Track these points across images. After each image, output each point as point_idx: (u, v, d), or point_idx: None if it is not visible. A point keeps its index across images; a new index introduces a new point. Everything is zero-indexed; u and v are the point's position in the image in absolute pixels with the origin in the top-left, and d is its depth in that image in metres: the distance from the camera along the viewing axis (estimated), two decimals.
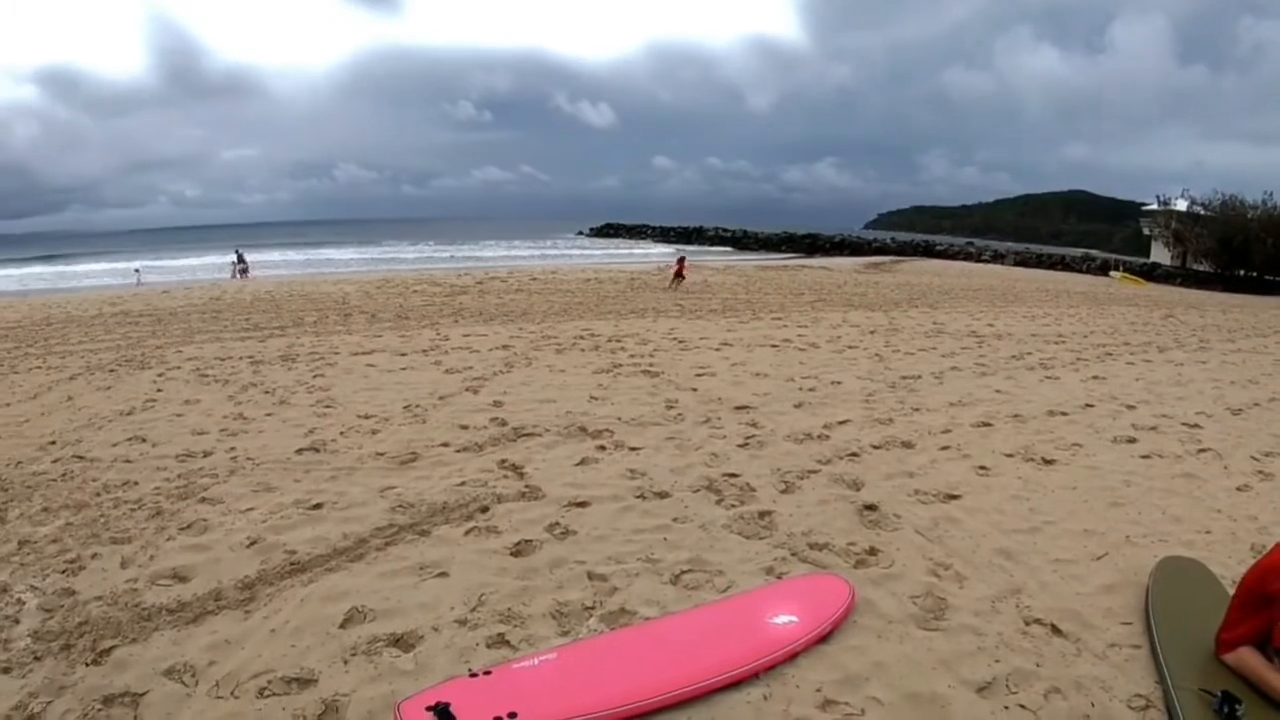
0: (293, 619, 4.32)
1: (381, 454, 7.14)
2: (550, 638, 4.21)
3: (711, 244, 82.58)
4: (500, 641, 4.16)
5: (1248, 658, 3.99)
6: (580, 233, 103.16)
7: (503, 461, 6.96)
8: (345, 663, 3.93)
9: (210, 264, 41.30)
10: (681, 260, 29.02)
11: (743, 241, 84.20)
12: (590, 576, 4.90)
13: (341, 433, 7.79)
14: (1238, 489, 7.22)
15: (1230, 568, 5.15)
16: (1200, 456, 8.21)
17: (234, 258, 36.74)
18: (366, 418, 8.33)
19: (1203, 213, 59.36)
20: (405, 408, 8.75)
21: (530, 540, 5.36)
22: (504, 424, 8.12)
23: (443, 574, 4.86)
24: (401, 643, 4.12)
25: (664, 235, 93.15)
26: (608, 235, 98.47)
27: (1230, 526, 6.26)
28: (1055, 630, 4.53)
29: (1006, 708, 3.81)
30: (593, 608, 4.55)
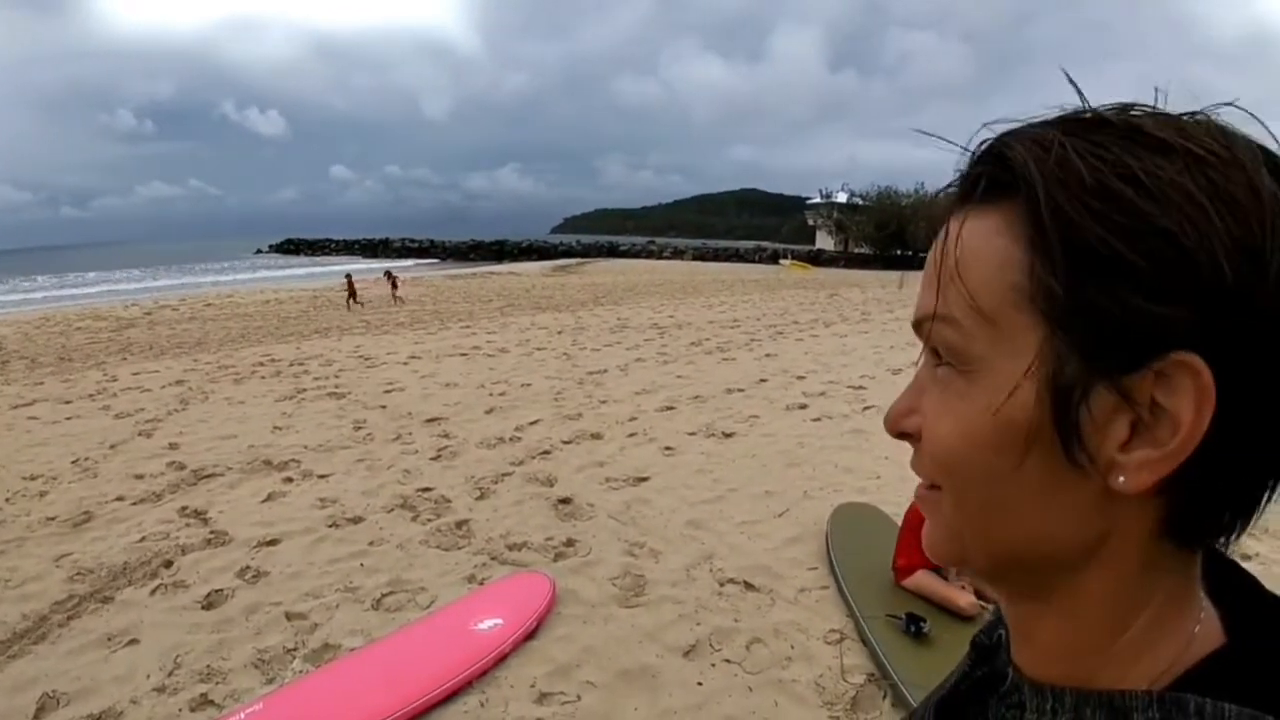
0: None
1: (52, 518, 6.44)
2: (255, 688, 3.98)
3: (399, 256, 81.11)
4: (204, 702, 3.89)
5: (924, 579, 4.49)
6: (259, 250, 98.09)
7: (184, 509, 6.49)
8: None
9: None
10: (390, 275, 27.55)
11: (431, 251, 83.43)
12: (289, 617, 4.68)
13: (7, 499, 6.96)
14: None
15: (900, 505, 5.66)
16: (866, 414, 9.00)
17: None
18: (33, 479, 7.49)
19: (861, 203, 65.71)
20: (74, 462, 7.95)
21: (221, 589, 5.03)
22: (182, 467, 7.58)
23: (133, 641, 4.47)
24: None
25: (349, 248, 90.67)
26: (289, 251, 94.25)
27: (898, 471, 6.94)
28: (748, 586, 4.85)
29: (713, 665, 4.03)
30: (295, 649, 4.35)
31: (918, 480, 0.58)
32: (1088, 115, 0.48)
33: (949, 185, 0.55)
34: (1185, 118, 0.46)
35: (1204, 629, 0.51)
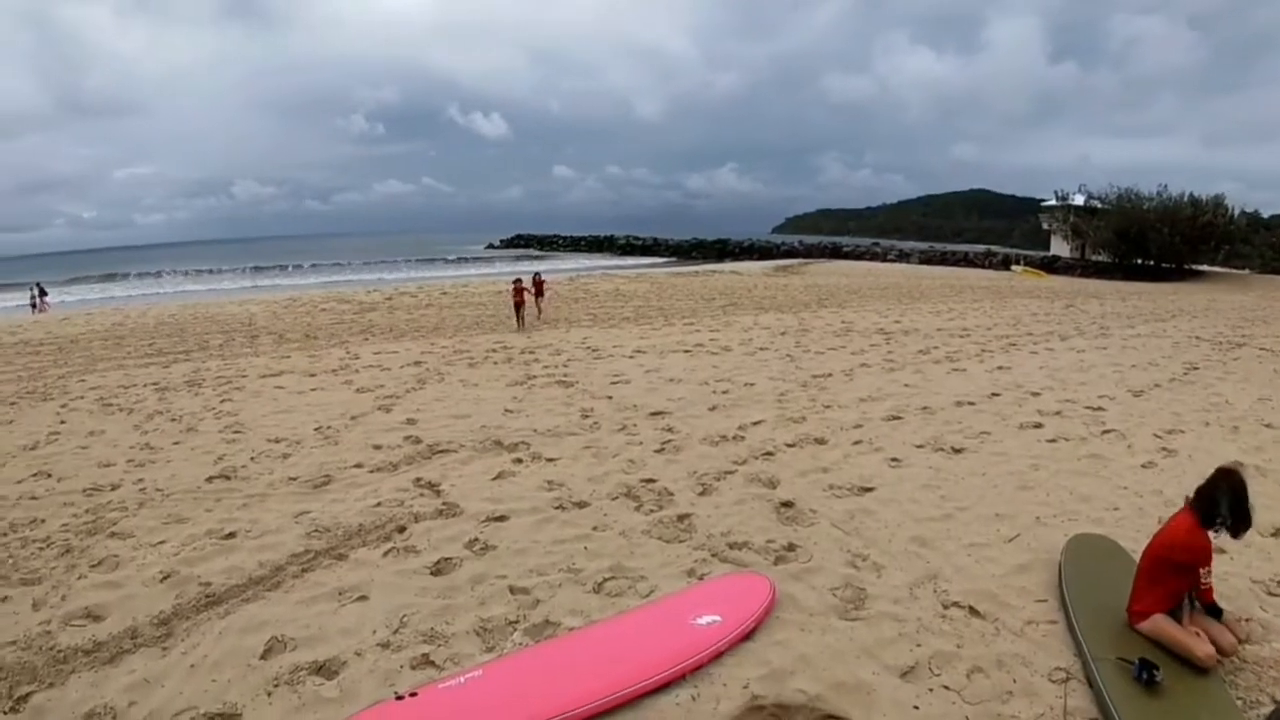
0: (211, 653, 4.19)
1: (294, 478, 6.99)
2: (475, 655, 4.16)
3: (623, 253, 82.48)
4: (425, 662, 4.10)
5: (1162, 624, 4.19)
6: (490, 245, 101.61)
7: (418, 480, 6.87)
8: (268, 694, 3.84)
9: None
10: (536, 279, 21.06)
11: (654, 249, 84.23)
12: (512, 590, 4.85)
13: (252, 458, 7.60)
14: (1142, 466, 7.47)
15: (1139, 541, 5.30)
16: (1105, 437, 8.47)
17: (34, 290, 34.77)
18: (277, 441, 8.15)
19: (1099, 206, 61.75)
20: (316, 429, 8.58)
21: (450, 558, 5.29)
22: (418, 441, 8.01)
23: (363, 597, 4.77)
24: (324, 670, 4.02)
25: (575, 245, 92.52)
26: (518, 246, 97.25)
27: (1137, 502, 6.50)
28: (973, 611, 4.65)
29: (931, 690, 3.90)
30: (516, 622, 4.51)
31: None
32: None
33: None
34: None
35: None
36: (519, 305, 18.64)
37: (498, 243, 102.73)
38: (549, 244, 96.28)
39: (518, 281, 19.37)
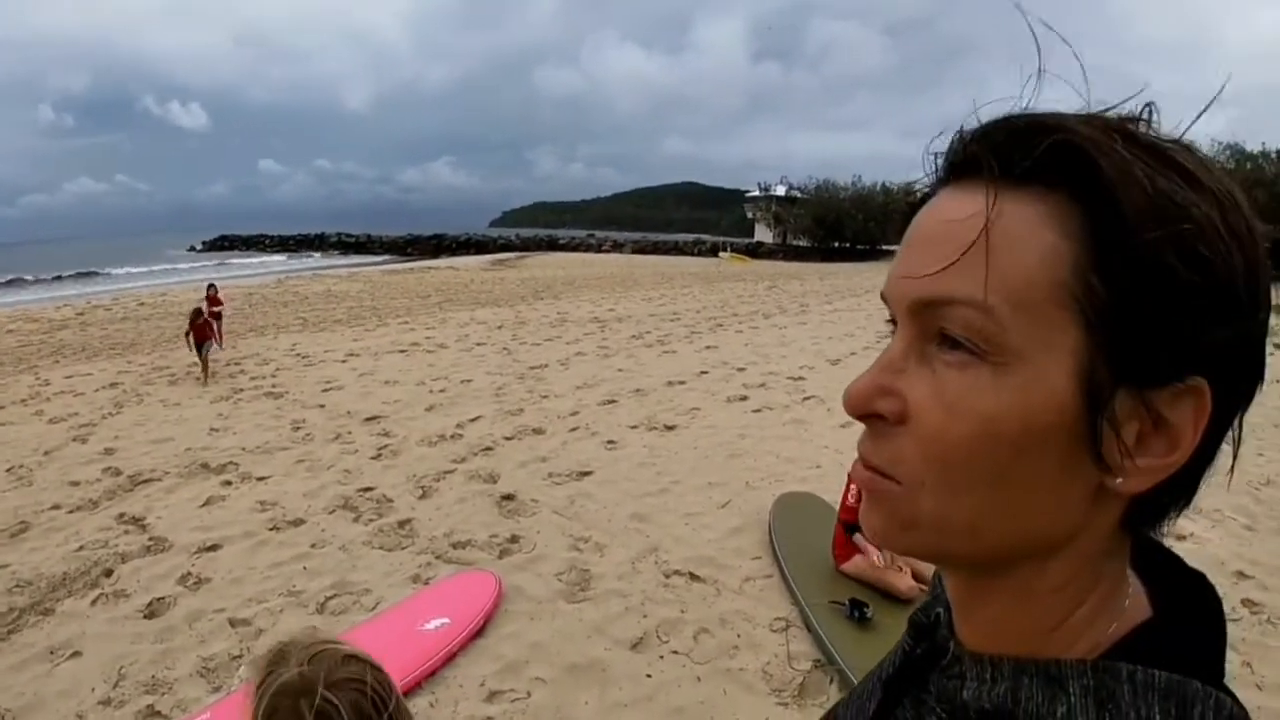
0: None
1: None
2: (201, 698, 3.93)
3: (337, 251, 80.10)
4: (151, 714, 3.82)
5: (863, 565, 4.64)
6: (192, 248, 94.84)
7: (121, 515, 6.36)
8: None
9: None
10: (211, 295, 14.92)
11: (368, 246, 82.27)
12: (233, 623, 4.62)
13: None
14: (841, 426, 8.14)
15: (840, 494, 5.78)
16: (806, 404, 9.16)
17: None
18: None
19: (799, 195, 66.57)
20: (8, 470, 7.72)
21: (163, 598, 4.95)
22: (118, 473, 7.42)
23: (76, 654, 4.37)
24: None
25: (284, 245, 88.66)
26: (223, 248, 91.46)
27: (837, 459, 7.11)
28: (694, 577, 4.93)
29: (661, 656, 4.10)
30: (240, 656, 4.29)
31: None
32: (1115, 123, 0.48)
33: (955, 152, 0.53)
34: (1170, 143, 0.48)
35: (1133, 603, 0.55)
36: (201, 344, 12.18)
37: (200, 245, 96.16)
38: (256, 244, 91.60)
39: (197, 312, 12.59)
